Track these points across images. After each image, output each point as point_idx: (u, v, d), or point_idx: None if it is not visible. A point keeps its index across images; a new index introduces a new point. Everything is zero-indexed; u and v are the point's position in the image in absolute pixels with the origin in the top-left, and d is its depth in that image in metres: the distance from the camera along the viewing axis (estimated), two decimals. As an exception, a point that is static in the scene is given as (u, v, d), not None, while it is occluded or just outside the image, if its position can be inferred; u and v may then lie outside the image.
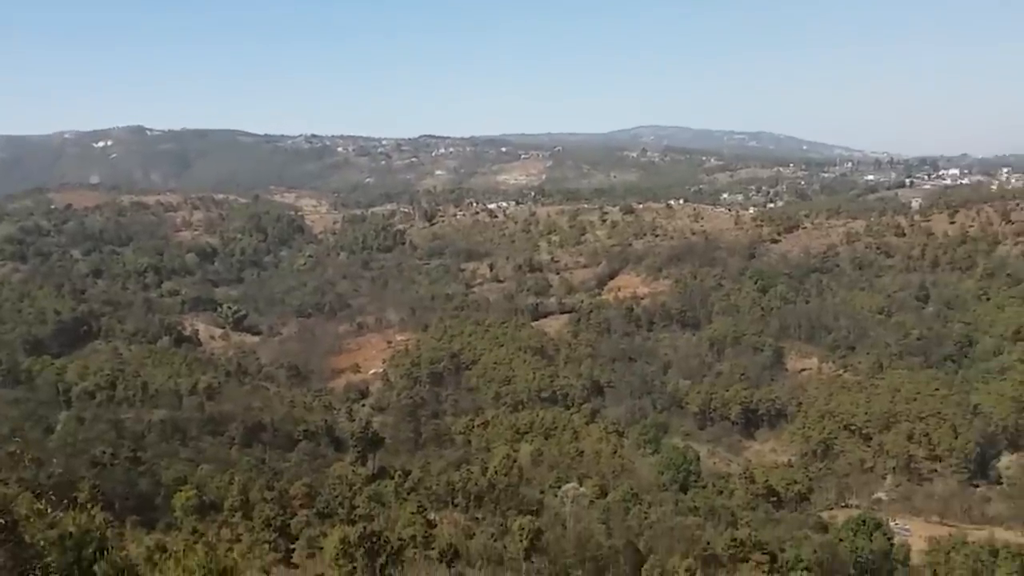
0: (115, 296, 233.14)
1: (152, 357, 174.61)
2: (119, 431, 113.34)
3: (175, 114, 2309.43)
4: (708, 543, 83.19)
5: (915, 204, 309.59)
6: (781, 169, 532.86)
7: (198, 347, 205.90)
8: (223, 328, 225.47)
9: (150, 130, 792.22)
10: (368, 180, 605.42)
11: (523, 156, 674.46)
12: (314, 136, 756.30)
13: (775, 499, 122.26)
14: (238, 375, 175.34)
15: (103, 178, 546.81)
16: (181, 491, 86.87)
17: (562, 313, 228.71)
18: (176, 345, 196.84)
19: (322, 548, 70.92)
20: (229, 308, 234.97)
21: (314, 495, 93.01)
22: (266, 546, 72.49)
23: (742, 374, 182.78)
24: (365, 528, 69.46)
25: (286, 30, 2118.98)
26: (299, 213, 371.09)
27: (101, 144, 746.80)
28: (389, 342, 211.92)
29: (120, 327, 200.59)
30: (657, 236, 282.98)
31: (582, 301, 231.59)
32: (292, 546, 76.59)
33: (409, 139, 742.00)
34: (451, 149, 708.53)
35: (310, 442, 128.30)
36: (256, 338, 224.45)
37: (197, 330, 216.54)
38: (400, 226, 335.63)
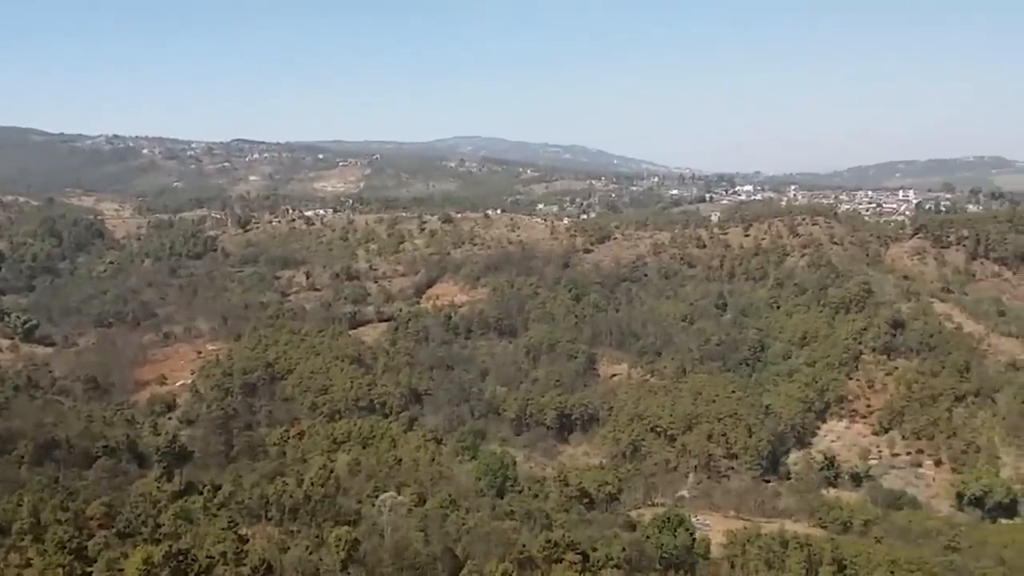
0: None
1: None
2: None
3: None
4: (524, 546, 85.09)
5: (714, 218, 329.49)
6: (594, 182, 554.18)
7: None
8: (11, 339, 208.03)
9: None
10: (177, 184, 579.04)
11: (341, 163, 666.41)
12: (116, 137, 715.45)
13: (588, 500, 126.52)
14: (28, 389, 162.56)
15: None
16: (-38, 515, 79.87)
17: (380, 321, 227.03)
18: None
19: (123, 570, 67.29)
20: (18, 317, 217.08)
21: (114, 514, 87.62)
22: (60, 570, 67.93)
23: (557, 380, 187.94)
24: (171, 547, 66.59)
25: (85, 21, 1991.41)
26: (99, 217, 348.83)
27: None
28: (199, 352, 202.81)
29: None
30: (475, 245, 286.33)
31: (400, 309, 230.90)
32: (89, 569, 72.00)
33: (221, 143, 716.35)
34: (266, 154, 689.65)
35: (110, 459, 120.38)
36: (50, 349, 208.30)
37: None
38: (211, 232, 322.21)
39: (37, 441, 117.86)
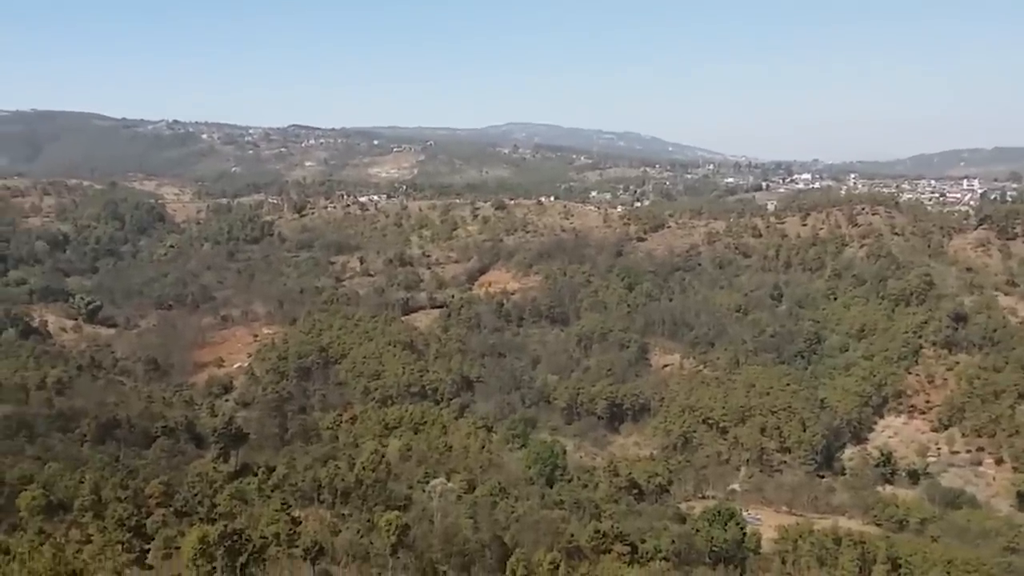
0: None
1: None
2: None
3: (21, 93, 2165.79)
4: (572, 536, 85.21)
5: (770, 206, 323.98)
6: (648, 169, 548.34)
7: (47, 339, 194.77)
8: (75, 320, 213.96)
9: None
10: (235, 169, 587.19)
11: (395, 149, 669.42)
12: (176, 122, 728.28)
13: (637, 491, 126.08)
14: (91, 369, 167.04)
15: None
16: (26, 490, 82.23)
17: (433, 308, 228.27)
18: (23, 337, 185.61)
19: (179, 548, 68.70)
20: (82, 299, 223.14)
21: (172, 493, 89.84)
22: (119, 547, 69.59)
23: (608, 370, 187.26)
24: (226, 527, 67.76)
25: (146, 9, 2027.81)
26: (160, 201, 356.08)
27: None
28: (255, 335, 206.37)
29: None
30: (528, 232, 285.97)
31: (452, 296, 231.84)
32: (147, 547, 73.83)
33: (278, 128, 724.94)
34: (322, 140, 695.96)
35: (168, 439, 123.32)
36: (112, 331, 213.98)
37: (46, 321, 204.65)
38: (268, 217, 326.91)
39: (99, 420, 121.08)
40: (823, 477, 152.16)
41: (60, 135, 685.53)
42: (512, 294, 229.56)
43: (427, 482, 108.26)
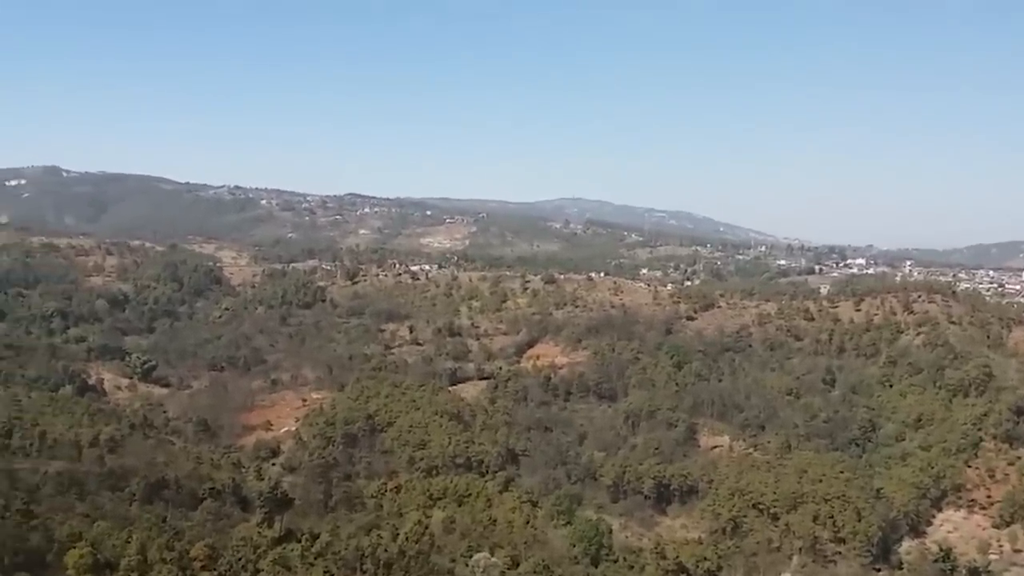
0: (17, 340, 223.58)
1: (53, 405, 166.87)
2: (12, 482, 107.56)
3: (92, 156, 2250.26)
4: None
5: (823, 290, 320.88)
6: (699, 248, 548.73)
7: (102, 397, 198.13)
8: (130, 378, 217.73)
9: (66, 171, 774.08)
10: (291, 235, 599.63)
11: (448, 220, 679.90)
12: (237, 187, 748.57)
13: (685, 575, 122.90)
14: (143, 428, 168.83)
15: (13, 218, 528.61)
16: (75, 548, 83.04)
17: (480, 379, 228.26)
18: (79, 394, 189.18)
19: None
20: (138, 358, 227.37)
21: (216, 557, 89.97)
22: (164, 609, 69.65)
23: (656, 448, 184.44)
24: (271, 593, 67.57)
25: (211, 80, 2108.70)
26: (218, 264, 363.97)
27: (13, 182, 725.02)
28: (304, 400, 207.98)
29: (21, 372, 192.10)
30: (577, 307, 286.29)
31: (500, 368, 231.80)
32: (192, 610, 73.76)
33: (335, 196, 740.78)
34: (376, 209, 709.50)
35: (215, 501, 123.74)
36: (165, 390, 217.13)
37: (103, 379, 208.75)
38: (321, 283, 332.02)
39: (148, 480, 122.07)
40: (879, 571, 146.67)
41: (125, 197, 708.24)
42: (560, 368, 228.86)
43: (470, 556, 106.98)
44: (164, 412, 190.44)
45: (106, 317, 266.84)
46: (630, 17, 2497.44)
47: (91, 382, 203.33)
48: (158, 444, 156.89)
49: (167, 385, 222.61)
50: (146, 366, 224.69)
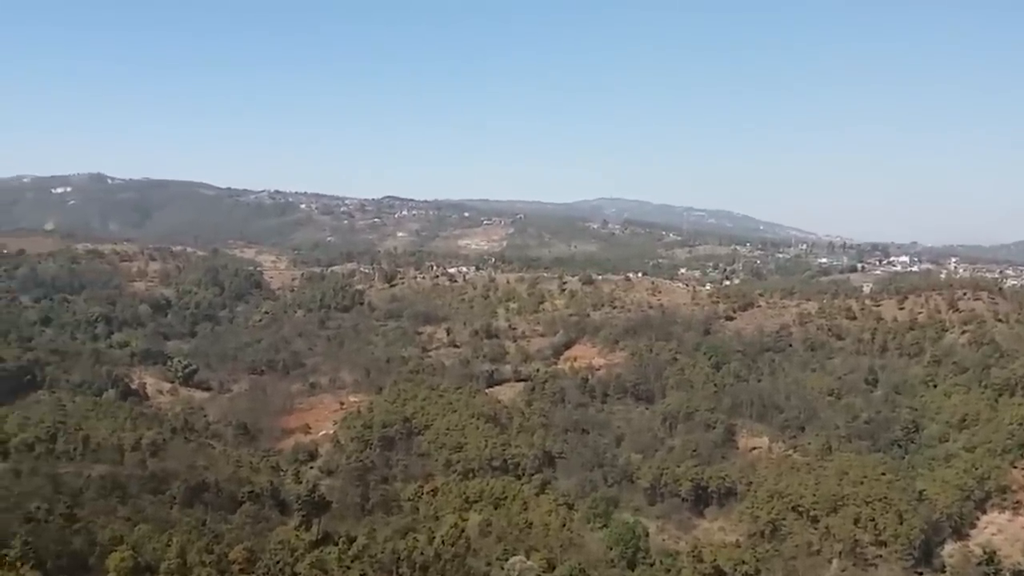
0: (63, 345, 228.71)
1: (96, 410, 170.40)
2: (56, 486, 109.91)
3: (136, 163, 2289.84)
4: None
5: (866, 289, 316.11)
6: (738, 248, 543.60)
7: (145, 401, 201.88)
8: (172, 382, 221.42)
9: (111, 178, 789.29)
10: (330, 238, 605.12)
11: (485, 222, 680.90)
12: (277, 192, 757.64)
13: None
14: (184, 431, 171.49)
15: (60, 225, 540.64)
16: (116, 551, 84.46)
17: (517, 381, 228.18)
18: (122, 398, 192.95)
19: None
20: (180, 362, 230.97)
21: (255, 559, 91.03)
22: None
23: (694, 450, 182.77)
24: (305, 597, 68.15)
25: (251, 86, 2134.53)
26: (258, 268, 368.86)
27: (60, 190, 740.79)
28: (342, 403, 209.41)
29: (66, 377, 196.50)
30: (615, 308, 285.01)
31: (537, 370, 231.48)
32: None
33: (373, 199, 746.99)
34: (414, 211, 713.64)
35: (254, 504, 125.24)
36: (206, 394, 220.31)
37: (145, 383, 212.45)
38: (359, 286, 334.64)
39: (189, 483, 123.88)
40: (921, 574, 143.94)
41: (168, 203, 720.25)
42: (597, 370, 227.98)
43: (506, 559, 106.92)
44: (205, 416, 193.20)
45: (149, 322, 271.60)
46: (670, 17, 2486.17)
47: (134, 386, 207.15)
48: (198, 448, 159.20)
49: (208, 389, 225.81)
50: (187, 370, 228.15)
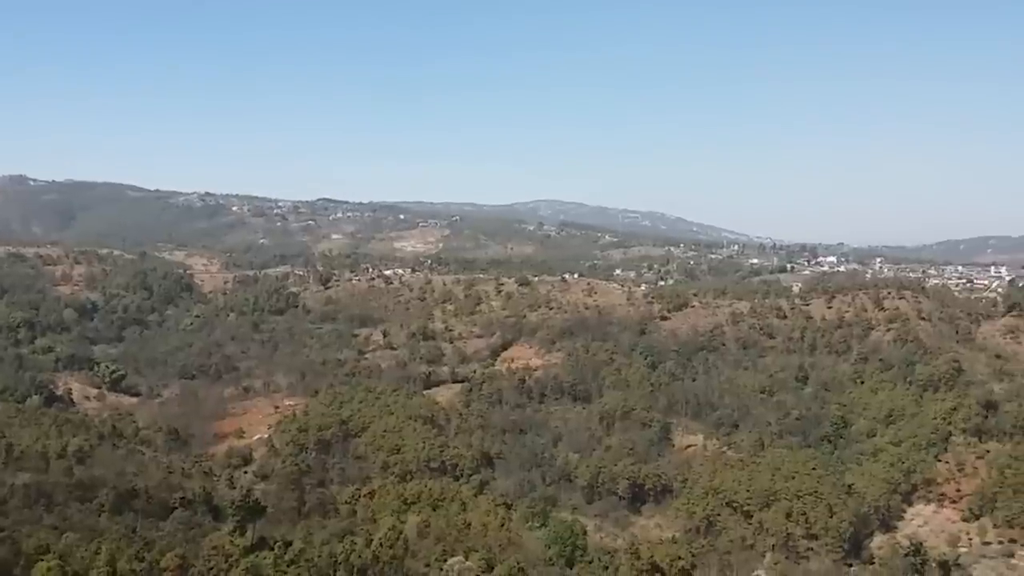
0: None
1: (19, 417, 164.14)
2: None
3: (60, 164, 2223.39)
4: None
5: (795, 288, 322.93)
6: (672, 249, 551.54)
7: (71, 407, 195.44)
8: (99, 388, 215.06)
9: (32, 180, 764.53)
10: (263, 241, 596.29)
11: (421, 224, 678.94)
12: (208, 194, 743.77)
13: (659, 575, 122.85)
14: (112, 438, 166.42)
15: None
16: (43, 560, 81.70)
17: (454, 382, 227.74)
18: (47, 405, 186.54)
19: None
20: (107, 367, 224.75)
21: (187, 566, 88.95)
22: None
23: (630, 449, 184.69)
24: (241, 602, 66.84)
25: (180, 86, 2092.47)
26: (188, 271, 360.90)
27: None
28: (277, 407, 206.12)
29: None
30: (551, 309, 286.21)
31: (475, 371, 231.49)
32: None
33: (307, 201, 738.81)
34: (349, 214, 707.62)
35: (186, 510, 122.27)
36: (135, 399, 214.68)
37: (71, 389, 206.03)
38: (294, 289, 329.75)
39: (117, 490, 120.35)
40: (851, 566, 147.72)
41: (94, 205, 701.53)
42: (534, 370, 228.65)
43: (445, 560, 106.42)
44: (134, 422, 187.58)
45: (74, 326, 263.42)
46: (600, 19, 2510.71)
47: (59, 392, 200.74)
48: (127, 454, 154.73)
49: (137, 394, 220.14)
50: (115, 375, 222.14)
